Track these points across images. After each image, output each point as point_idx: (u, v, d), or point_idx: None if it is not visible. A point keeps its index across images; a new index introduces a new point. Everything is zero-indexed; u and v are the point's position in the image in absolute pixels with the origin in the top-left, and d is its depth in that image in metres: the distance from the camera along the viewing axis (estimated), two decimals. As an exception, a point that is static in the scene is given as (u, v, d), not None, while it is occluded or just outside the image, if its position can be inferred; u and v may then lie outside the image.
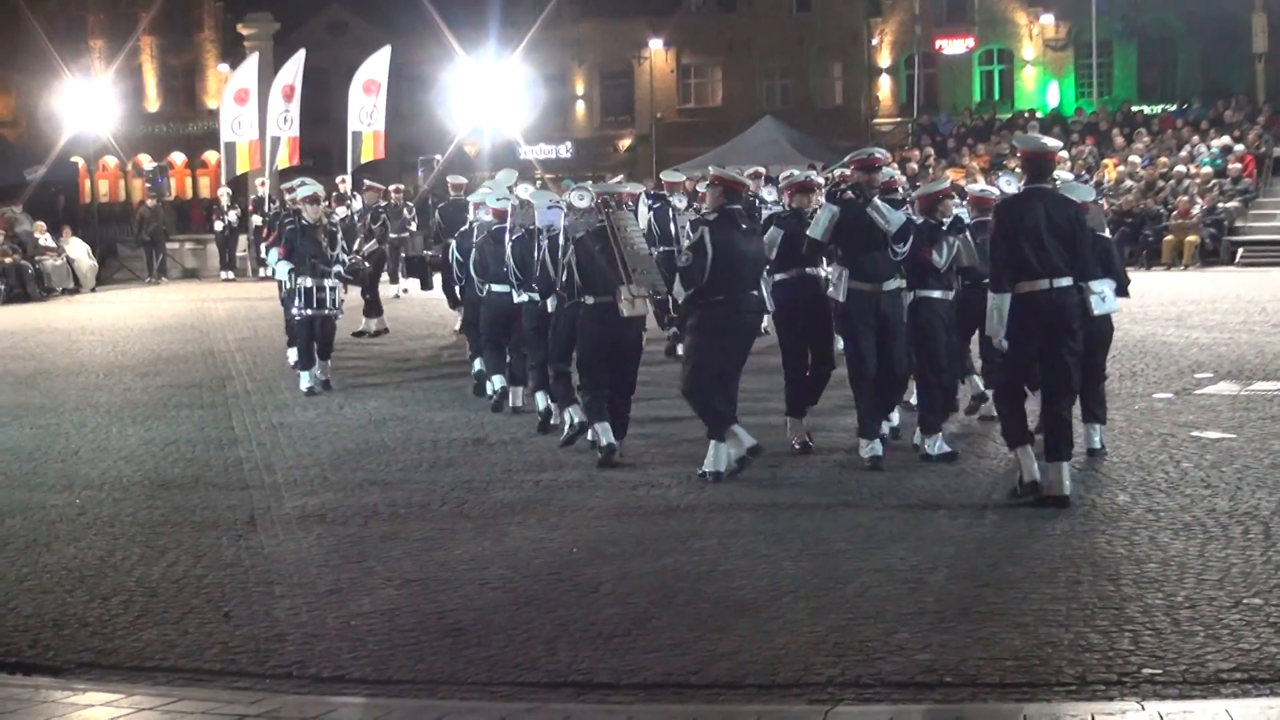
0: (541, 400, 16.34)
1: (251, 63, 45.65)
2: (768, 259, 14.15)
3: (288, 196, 22.95)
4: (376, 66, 40.24)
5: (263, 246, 25.54)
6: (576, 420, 14.98)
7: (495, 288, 17.22)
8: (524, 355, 16.83)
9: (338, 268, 19.73)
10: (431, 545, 11.26)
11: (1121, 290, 13.53)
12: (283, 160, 42.60)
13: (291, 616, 9.52)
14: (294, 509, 12.68)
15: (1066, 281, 11.94)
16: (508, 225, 16.80)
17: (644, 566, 10.44)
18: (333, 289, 19.58)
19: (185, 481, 14.13)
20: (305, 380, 19.62)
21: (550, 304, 15.35)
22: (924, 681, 8.00)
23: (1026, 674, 8.02)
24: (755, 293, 13.54)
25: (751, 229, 13.82)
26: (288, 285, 19.80)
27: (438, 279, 29.52)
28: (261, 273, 38.96)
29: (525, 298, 16.20)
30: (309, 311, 19.45)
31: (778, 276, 14.56)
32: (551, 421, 15.91)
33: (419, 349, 24.99)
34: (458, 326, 26.31)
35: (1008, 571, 10.02)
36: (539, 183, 37.37)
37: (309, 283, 19.38)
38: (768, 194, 21.22)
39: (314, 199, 19.81)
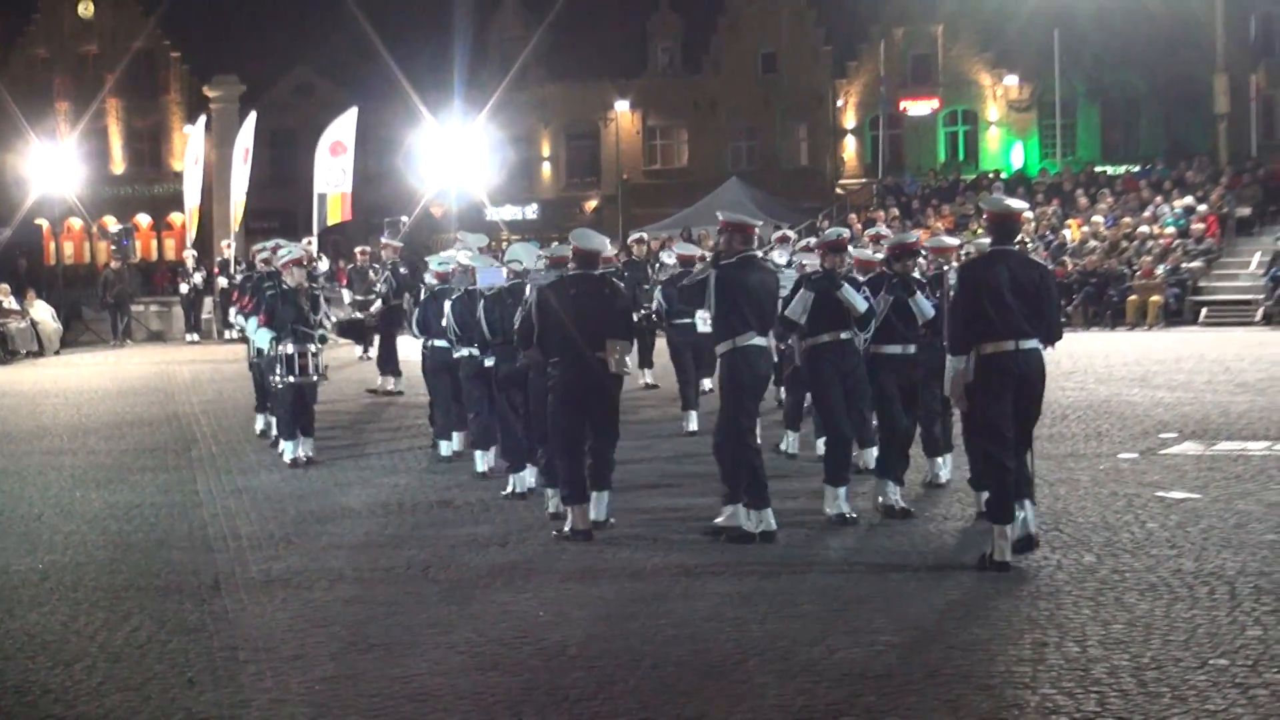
0: (480, 457, 17.44)
1: (199, 125, 45.87)
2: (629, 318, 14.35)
3: (259, 258, 22.65)
4: (343, 128, 40.24)
5: (232, 311, 25.24)
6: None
7: (436, 343, 18.49)
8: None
9: (321, 332, 19.30)
10: (396, 609, 11.21)
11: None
12: (236, 222, 42.65)
13: (255, 682, 9.45)
14: (258, 573, 12.62)
15: (1032, 343, 11.94)
16: (448, 286, 18.12)
17: (610, 629, 10.41)
18: (315, 355, 19.00)
19: (149, 546, 14.04)
20: (289, 451, 19.02)
21: (489, 361, 16.22)
22: (891, 745, 7.99)
23: (993, 737, 8.01)
24: (597, 355, 13.67)
25: (596, 292, 13.89)
26: (269, 352, 19.18)
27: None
28: (227, 335, 38.89)
29: (465, 353, 17.18)
30: (292, 379, 18.84)
31: (809, 341, 14.38)
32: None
33: (383, 411, 24.92)
34: (376, 385, 26.61)
35: (974, 633, 10.02)
36: (504, 242, 37.47)
37: (291, 349, 18.80)
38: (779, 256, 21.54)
39: (298, 263, 19.36)
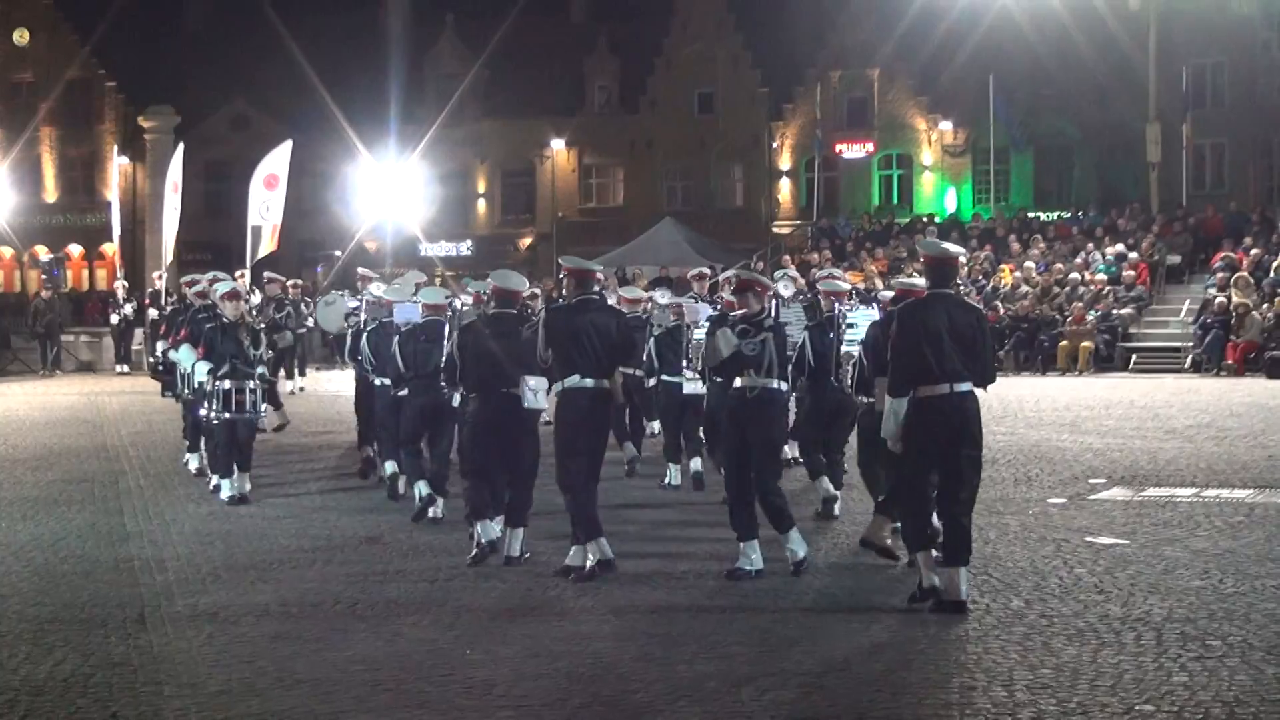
0: (390, 467, 18.38)
1: (114, 157, 45.81)
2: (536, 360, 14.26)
3: (191, 291, 21.99)
4: (277, 161, 40.03)
5: (158, 345, 24.72)
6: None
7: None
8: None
9: (261, 369, 18.81)
10: (324, 645, 11.14)
11: None
12: (168, 253, 42.35)
13: (180, 718, 9.37)
14: (185, 607, 12.52)
15: (966, 386, 12.01)
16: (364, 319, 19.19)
17: (538, 668, 10.37)
18: (253, 391, 18.51)
19: (75, 578, 13.91)
20: (225, 489, 18.54)
21: (402, 392, 17.20)
22: (817, 787, 7.97)
23: (920, 780, 8.01)
24: (511, 391, 14.08)
25: (512, 331, 14.35)
26: (206, 386, 18.60)
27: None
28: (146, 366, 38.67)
29: (379, 382, 18.22)
30: (228, 415, 18.34)
31: (737, 382, 13.84)
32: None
33: (313, 445, 24.79)
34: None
35: (902, 676, 10.03)
36: (436, 279, 37.56)
37: (228, 384, 18.31)
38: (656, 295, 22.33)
39: (234, 295, 18.90)
